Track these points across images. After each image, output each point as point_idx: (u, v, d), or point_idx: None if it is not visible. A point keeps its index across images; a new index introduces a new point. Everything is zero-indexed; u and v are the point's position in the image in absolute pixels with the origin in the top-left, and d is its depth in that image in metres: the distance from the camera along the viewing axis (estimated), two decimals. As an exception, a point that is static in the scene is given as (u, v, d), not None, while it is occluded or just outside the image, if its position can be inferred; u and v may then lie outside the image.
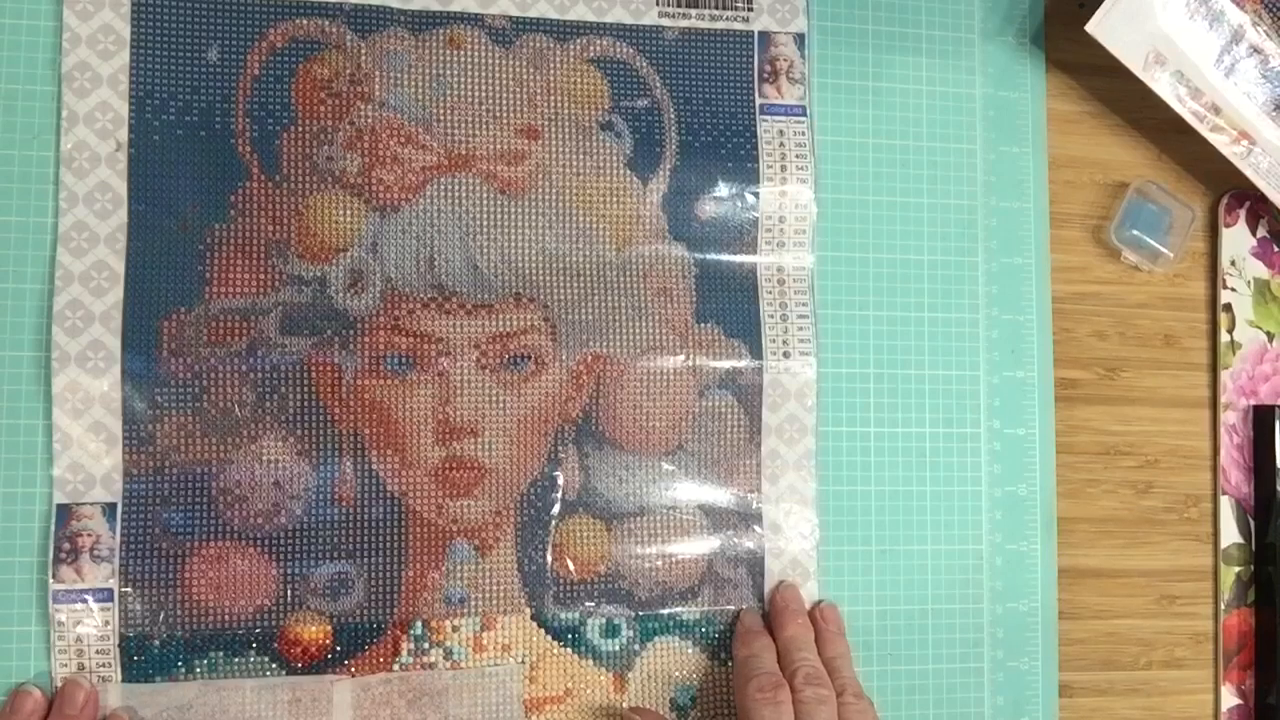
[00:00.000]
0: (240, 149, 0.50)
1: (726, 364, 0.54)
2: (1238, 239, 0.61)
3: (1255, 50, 0.56)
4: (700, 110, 0.55)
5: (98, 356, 0.48)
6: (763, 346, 0.54)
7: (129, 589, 0.48)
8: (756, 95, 0.55)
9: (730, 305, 0.54)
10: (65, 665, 0.47)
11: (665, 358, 0.53)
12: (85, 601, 0.47)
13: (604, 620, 0.52)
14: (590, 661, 0.52)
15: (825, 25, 0.57)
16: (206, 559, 0.49)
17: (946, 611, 0.56)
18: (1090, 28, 0.56)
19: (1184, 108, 0.57)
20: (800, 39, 0.56)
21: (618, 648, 0.52)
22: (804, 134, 0.56)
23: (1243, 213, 0.61)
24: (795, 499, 0.54)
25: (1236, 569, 0.60)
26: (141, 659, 0.48)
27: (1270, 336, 0.61)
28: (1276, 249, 0.62)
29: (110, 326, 0.48)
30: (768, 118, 0.55)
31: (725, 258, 0.54)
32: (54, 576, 0.47)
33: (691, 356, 0.53)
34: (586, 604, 0.52)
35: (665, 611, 0.53)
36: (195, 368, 0.49)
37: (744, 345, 0.54)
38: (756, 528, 0.54)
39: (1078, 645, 0.58)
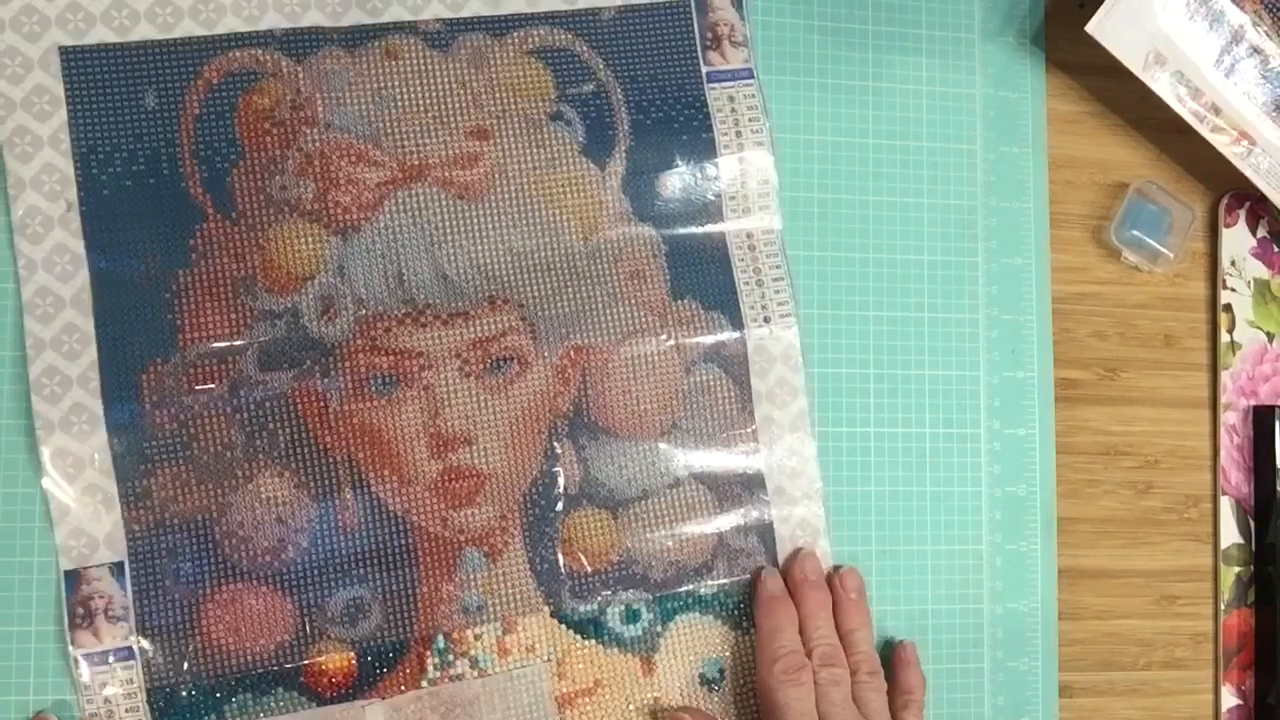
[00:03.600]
0: (192, 191, 0.50)
1: (709, 337, 0.54)
2: (1238, 239, 0.61)
3: (1255, 50, 0.56)
4: (648, 87, 0.54)
5: (81, 420, 0.48)
6: (742, 315, 0.54)
7: (148, 644, 0.48)
8: (702, 64, 0.55)
9: (705, 278, 0.54)
10: (97, 728, 0.48)
11: (647, 339, 0.53)
12: (108, 663, 0.48)
13: (623, 607, 0.52)
14: (615, 650, 0.52)
15: (825, 25, 0.56)
16: (221, 603, 0.49)
17: (946, 612, 0.56)
18: (1090, 28, 0.55)
19: (1184, 108, 0.57)
20: (738, 1, 0.55)
21: (640, 632, 0.52)
22: (754, 96, 0.55)
23: (1243, 213, 0.61)
24: (795, 460, 0.54)
25: (1236, 569, 0.60)
26: (172, 711, 0.48)
27: (1270, 337, 0.61)
28: (1276, 249, 0.61)
29: (89, 388, 0.48)
30: (715, 85, 0.55)
31: (693, 230, 0.54)
32: (73, 643, 0.47)
33: (673, 335, 0.53)
34: (603, 593, 0.52)
35: (682, 589, 0.53)
36: (180, 416, 0.49)
37: (723, 316, 0.54)
38: (761, 494, 0.54)
39: (1078, 645, 0.58)
